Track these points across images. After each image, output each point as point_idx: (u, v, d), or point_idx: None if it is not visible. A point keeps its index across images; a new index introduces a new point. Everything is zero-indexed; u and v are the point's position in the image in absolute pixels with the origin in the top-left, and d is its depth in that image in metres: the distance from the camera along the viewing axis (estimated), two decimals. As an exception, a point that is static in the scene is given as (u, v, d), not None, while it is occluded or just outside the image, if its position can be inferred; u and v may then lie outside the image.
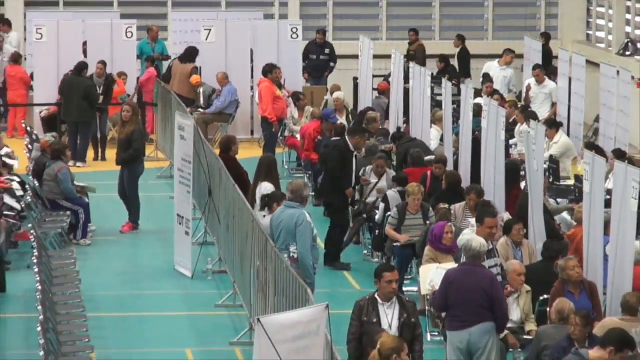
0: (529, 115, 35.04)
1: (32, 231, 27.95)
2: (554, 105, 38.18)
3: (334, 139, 32.97)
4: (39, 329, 20.26)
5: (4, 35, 42.62)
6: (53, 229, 30.44)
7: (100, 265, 30.19)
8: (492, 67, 41.28)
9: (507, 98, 38.78)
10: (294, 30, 41.17)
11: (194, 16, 41.70)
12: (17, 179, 33.48)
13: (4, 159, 34.22)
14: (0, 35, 42.11)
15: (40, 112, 39.19)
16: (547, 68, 40.53)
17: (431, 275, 23.52)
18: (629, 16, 44.47)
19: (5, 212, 30.00)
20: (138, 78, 41.16)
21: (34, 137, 36.75)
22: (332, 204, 29.24)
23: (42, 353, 19.38)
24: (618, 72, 35.27)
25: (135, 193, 33.62)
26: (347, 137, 31.51)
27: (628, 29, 44.47)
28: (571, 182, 30.77)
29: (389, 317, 18.28)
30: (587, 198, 24.66)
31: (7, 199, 30.96)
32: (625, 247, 22.21)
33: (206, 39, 40.30)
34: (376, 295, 18.52)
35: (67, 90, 37.33)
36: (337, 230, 28.24)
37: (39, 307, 21.78)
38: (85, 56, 38.96)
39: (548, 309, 21.22)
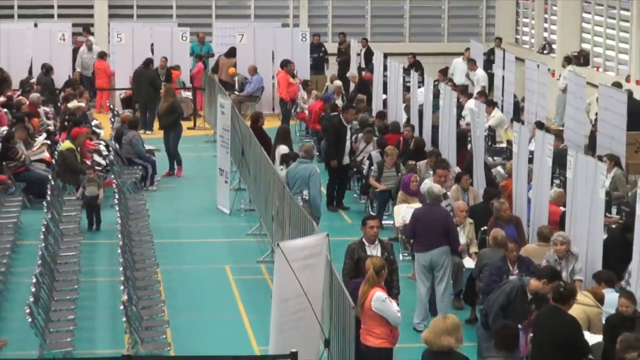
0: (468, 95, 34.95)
1: (114, 180, 28.68)
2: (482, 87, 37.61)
3: (332, 114, 32.82)
4: (119, 251, 21.06)
5: (90, 39, 42.20)
6: (129, 179, 30.77)
7: (163, 205, 30.22)
8: (459, 62, 40.45)
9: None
10: (303, 35, 41.29)
11: (231, 25, 41.31)
12: (103, 143, 33.49)
13: (94, 128, 34.14)
14: (89, 40, 42.11)
15: (120, 95, 38.82)
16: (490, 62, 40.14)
17: (402, 212, 23.78)
18: (546, 25, 44.54)
19: (95, 167, 30.05)
20: (190, 70, 40.94)
21: (115, 112, 36.66)
22: (329, 165, 29.20)
23: (121, 269, 20.12)
24: (538, 65, 35.11)
25: (177, 148, 33.68)
26: (341, 113, 31.61)
27: (545, 34, 44.40)
28: (504, 145, 31.08)
29: (374, 254, 18.22)
30: (515, 157, 25.02)
31: (96, 157, 31.33)
32: (542, 192, 22.59)
33: (240, 42, 40.40)
34: (363, 239, 18.88)
35: (138, 79, 37.15)
36: (333, 182, 28.72)
37: (119, 236, 22.77)
38: (152, 54, 38.90)
39: (486, 237, 21.50)
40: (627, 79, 34.70)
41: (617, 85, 32.56)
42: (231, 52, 41.12)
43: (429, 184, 23.30)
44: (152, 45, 39.62)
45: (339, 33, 43.59)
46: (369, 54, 41.17)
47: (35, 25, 41.48)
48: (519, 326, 16.47)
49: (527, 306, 17.23)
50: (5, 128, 31.54)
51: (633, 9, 36.45)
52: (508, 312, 17.16)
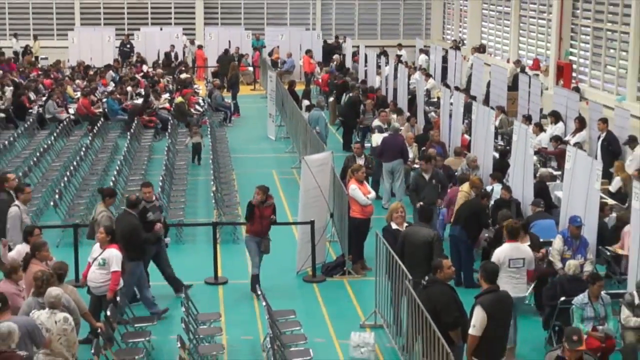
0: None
1: (207, 120, 29.10)
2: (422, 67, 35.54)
3: (335, 81, 32.41)
4: (210, 161, 21.81)
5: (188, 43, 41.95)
6: (216, 119, 30.23)
7: (236, 134, 29.07)
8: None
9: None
10: (318, 35, 40.62)
11: (275, 29, 40.87)
12: (201, 98, 32.52)
13: (195, 90, 33.16)
14: (191, 38, 41.87)
15: (212, 71, 37.76)
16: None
17: (376, 138, 22.13)
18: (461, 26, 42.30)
19: (195, 112, 29.85)
20: (252, 56, 40.11)
21: (208, 80, 36.36)
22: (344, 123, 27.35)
23: (212, 172, 20.76)
24: (455, 54, 34.16)
25: (236, 98, 33.36)
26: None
27: (460, 34, 42.04)
28: (435, 100, 29.01)
29: (359, 162, 18.41)
30: (442, 107, 24.93)
31: (197, 107, 30.80)
32: (457, 128, 22.65)
33: (280, 39, 39.92)
34: (354, 154, 19.43)
35: (221, 61, 36.75)
36: (347, 132, 26.80)
37: (210, 152, 23.54)
38: (229, 46, 38.38)
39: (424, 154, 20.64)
40: (508, 61, 34.49)
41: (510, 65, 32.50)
42: (275, 46, 40.83)
43: (393, 123, 23.16)
44: (229, 41, 39.21)
45: (336, 35, 42.38)
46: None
47: (161, 29, 41.04)
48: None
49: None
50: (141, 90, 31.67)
51: (512, 13, 36.08)
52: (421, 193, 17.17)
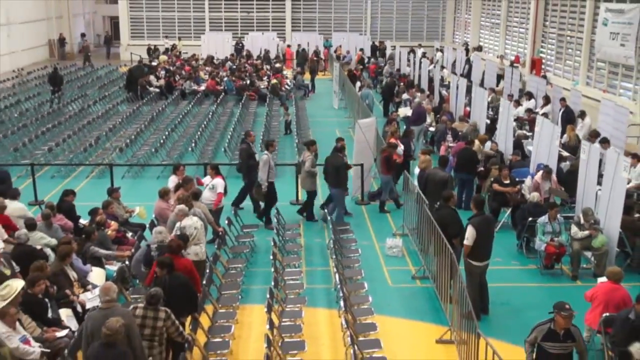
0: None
1: (293, 95, 28.54)
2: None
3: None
4: (294, 124, 20.76)
5: (281, 43, 41.20)
6: (299, 94, 29.71)
7: (311, 105, 28.30)
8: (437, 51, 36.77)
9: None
10: (368, 38, 40.18)
11: (338, 34, 40.17)
12: (289, 81, 31.95)
13: (284, 74, 32.58)
14: (282, 41, 41.28)
15: (296, 62, 37.03)
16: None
17: (403, 111, 22.46)
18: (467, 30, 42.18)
19: (284, 89, 29.53)
20: (324, 53, 39.09)
21: (293, 68, 35.54)
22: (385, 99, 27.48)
23: (295, 129, 19.88)
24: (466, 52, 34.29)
25: (314, 80, 32.35)
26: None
27: (466, 37, 41.01)
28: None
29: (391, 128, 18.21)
30: (453, 87, 24.73)
31: (286, 86, 30.19)
32: (460, 101, 22.23)
33: (342, 41, 39.22)
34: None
35: (299, 56, 36.25)
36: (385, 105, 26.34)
37: (294, 118, 22.53)
38: (307, 46, 37.77)
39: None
40: (498, 57, 34.02)
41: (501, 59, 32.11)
42: (336, 46, 39.75)
43: (417, 98, 22.93)
44: (307, 42, 38.82)
45: (380, 41, 40.79)
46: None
47: (262, 34, 40.82)
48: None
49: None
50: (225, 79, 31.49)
51: (501, 23, 35.57)
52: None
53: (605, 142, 15.62)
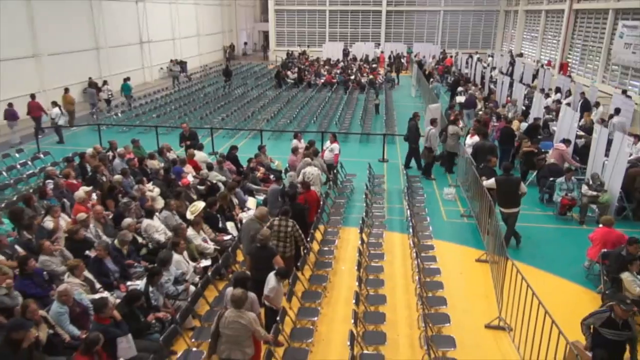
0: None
1: (383, 86, 27.33)
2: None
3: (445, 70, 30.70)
4: (384, 107, 19.81)
5: (377, 50, 39.97)
6: (388, 86, 28.16)
7: (396, 94, 26.74)
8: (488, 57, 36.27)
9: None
10: (439, 46, 38.45)
11: (418, 44, 37.79)
12: (380, 76, 30.17)
13: (378, 72, 31.18)
14: (377, 50, 39.69)
15: (386, 64, 35.52)
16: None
17: (459, 99, 20.86)
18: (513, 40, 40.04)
19: (378, 82, 28.28)
20: (406, 57, 37.52)
21: (385, 68, 34.23)
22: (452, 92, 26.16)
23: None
24: (511, 58, 32.73)
25: (398, 76, 30.73)
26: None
27: (511, 46, 39.18)
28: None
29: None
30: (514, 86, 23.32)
31: (379, 79, 28.90)
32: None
33: (420, 48, 37.76)
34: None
35: (391, 59, 35.45)
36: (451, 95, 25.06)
37: (384, 103, 21.70)
38: (394, 53, 36.82)
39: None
40: (534, 61, 31.77)
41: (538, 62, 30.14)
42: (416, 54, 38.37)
43: (471, 91, 21.93)
44: (395, 49, 38.05)
45: (442, 49, 38.78)
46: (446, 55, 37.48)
47: (364, 43, 39.86)
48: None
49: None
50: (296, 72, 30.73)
51: (538, 35, 33.29)
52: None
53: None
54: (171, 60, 31.49)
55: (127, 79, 22.76)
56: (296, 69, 31.42)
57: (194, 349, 6.26)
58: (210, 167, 11.62)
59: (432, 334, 6.50)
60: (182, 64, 31.80)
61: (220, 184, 11.07)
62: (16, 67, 19.08)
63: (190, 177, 11.25)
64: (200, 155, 12.80)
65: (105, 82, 22.35)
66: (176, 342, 6.54)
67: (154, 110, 20.96)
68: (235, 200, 10.21)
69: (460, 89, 23.49)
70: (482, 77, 26.23)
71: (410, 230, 9.33)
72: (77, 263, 6.76)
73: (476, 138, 13.48)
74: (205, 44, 38.47)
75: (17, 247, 7.67)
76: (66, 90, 19.04)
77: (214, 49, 40.77)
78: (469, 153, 12.52)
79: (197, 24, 36.73)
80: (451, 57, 35.90)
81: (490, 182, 9.69)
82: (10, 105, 16.45)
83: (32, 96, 17.35)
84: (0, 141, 16.41)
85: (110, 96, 21.58)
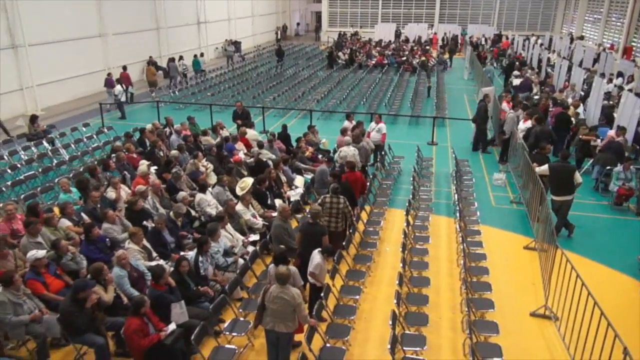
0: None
1: (435, 68, 26.67)
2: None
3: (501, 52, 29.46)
4: (435, 89, 19.30)
5: (430, 32, 38.65)
6: (439, 68, 27.47)
7: (448, 76, 25.97)
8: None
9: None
10: (494, 28, 37.11)
11: (473, 25, 37.16)
12: (433, 59, 29.65)
13: (430, 54, 30.52)
14: (431, 31, 38.23)
15: (439, 45, 34.62)
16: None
17: (514, 81, 20.40)
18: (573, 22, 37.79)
19: (430, 64, 27.63)
20: (460, 39, 36.15)
21: (438, 50, 33.82)
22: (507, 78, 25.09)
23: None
24: (570, 41, 31.13)
25: (452, 59, 29.99)
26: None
27: (572, 29, 36.66)
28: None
29: None
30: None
31: (431, 61, 28.10)
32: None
33: (475, 30, 36.53)
34: None
35: (445, 41, 34.39)
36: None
37: (435, 86, 21.03)
38: (448, 35, 35.80)
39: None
40: (597, 45, 30.03)
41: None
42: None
43: (526, 74, 21.02)
44: (449, 30, 36.63)
45: (498, 31, 37.22)
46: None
47: (417, 24, 38.75)
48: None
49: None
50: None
51: (602, 18, 31.39)
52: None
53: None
54: (226, 40, 31.87)
55: (199, 55, 25.08)
56: (348, 50, 31.12)
57: (241, 318, 6.47)
58: (260, 145, 11.77)
59: (474, 319, 6.41)
60: (237, 44, 32.16)
61: (270, 162, 11.16)
62: (84, 46, 19.98)
63: (241, 154, 11.44)
64: (251, 133, 12.97)
65: (181, 57, 23.46)
66: (225, 311, 6.75)
67: (208, 89, 21.38)
68: (284, 178, 10.31)
69: (515, 72, 22.60)
70: (539, 60, 25.08)
71: (457, 214, 9.17)
72: (136, 230, 7.02)
73: (529, 123, 12.96)
74: (259, 24, 38.67)
75: (83, 214, 8.07)
76: (148, 63, 22.26)
77: (267, 30, 40.91)
78: (521, 138, 12.06)
79: (251, 4, 36.94)
80: (507, 39, 34.38)
81: (543, 169, 9.35)
82: (109, 75, 18.75)
83: (124, 68, 19.37)
84: (66, 117, 17.20)
85: (185, 70, 22.78)
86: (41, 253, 6.27)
